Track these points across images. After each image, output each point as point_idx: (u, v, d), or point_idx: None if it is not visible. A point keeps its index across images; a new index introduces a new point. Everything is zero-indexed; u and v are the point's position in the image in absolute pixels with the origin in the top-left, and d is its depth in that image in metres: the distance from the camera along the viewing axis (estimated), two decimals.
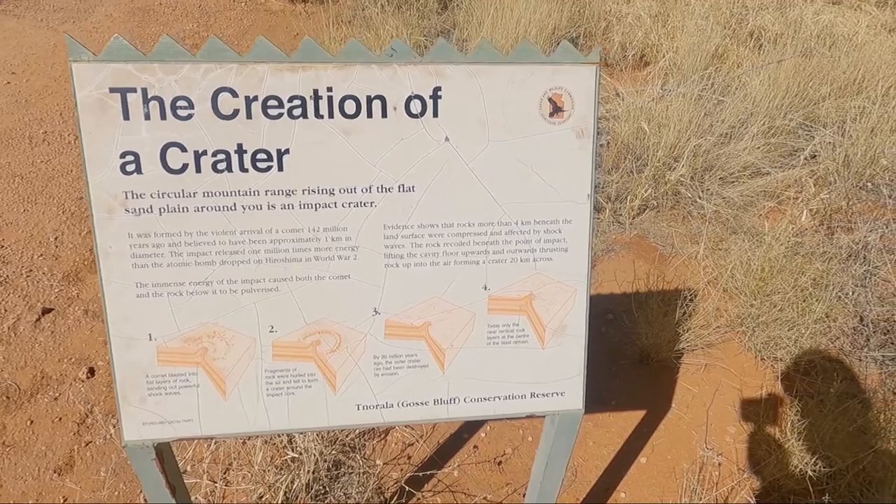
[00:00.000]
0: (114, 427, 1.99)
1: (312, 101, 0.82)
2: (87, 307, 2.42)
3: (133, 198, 0.82)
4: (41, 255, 2.65)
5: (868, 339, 2.13)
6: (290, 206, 0.86)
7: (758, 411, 2.04)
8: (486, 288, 0.93)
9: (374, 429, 1.98)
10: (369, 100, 0.84)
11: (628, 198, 2.92)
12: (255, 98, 0.82)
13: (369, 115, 0.84)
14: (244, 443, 1.94)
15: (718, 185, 2.93)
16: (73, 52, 0.77)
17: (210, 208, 0.84)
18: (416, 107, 0.85)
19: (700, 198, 2.86)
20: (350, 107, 0.84)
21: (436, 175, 0.88)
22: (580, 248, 0.93)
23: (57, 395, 2.07)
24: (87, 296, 2.47)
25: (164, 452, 0.94)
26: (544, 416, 1.05)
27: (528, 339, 0.96)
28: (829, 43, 4.11)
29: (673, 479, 1.88)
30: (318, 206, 0.86)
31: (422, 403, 0.96)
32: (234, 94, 0.81)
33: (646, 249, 2.78)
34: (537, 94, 0.87)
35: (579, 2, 4.89)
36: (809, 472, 1.64)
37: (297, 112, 0.83)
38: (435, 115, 0.86)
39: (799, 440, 1.81)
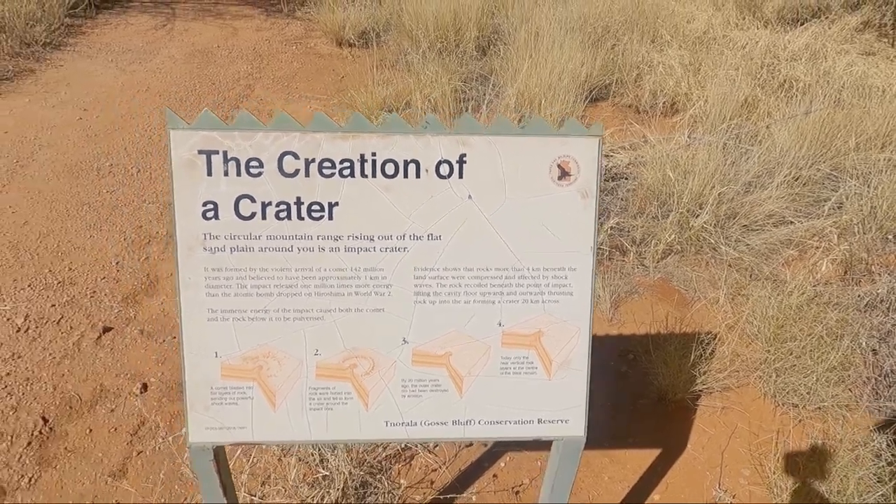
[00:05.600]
0: (163, 438, 2.17)
1: (359, 164, 1.00)
2: (142, 327, 2.63)
3: (210, 239, 1.00)
4: (104, 277, 2.90)
5: (886, 389, 2.17)
6: (337, 249, 1.02)
7: (773, 456, 2.08)
8: (500, 324, 1.07)
9: (399, 453, 2.11)
10: (406, 163, 1.01)
11: (653, 242, 3.02)
12: (313, 160, 0.99)
13: (405, 175, 1.01)
14: (280, 459, 2.09)
15: (742, 232, 3.01)
16: (172, 122, 0.96)
17: (272, 249, 1.01)
18: (444, 169, 1.01)
19: (723, 244, 2.94)
20: (390, 168, 1.01)
21: (460, 226, 1.04)
22: (584, 293, 1.06)
23: (113, 407, 2.27)
24: (143, 317, 2.69)
25: (219, 456, 1.10)
26: (551, 442, 1.17)
27: (536, 370, 1.09)
28: (862, 94, 4.16)
29: None
30: (360, 249, 1.03)
31: (441, 423, 1.10)
32: (297, 157, 0.99)
33: (668, 293, 2.87)
34: (547, 161, 1.03)
35: (612, 51, 5.07)
36: None
37: (346, 172, 1.00)
38: (460, 176, 1.02)
39: (812, 486, 1.86)
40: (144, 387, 2.35)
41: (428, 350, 1.06)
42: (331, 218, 1.01)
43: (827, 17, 6.06)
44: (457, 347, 1.07)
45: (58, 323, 2.62)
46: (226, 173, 0.98)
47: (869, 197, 2.93)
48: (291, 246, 1.02)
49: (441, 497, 1.94)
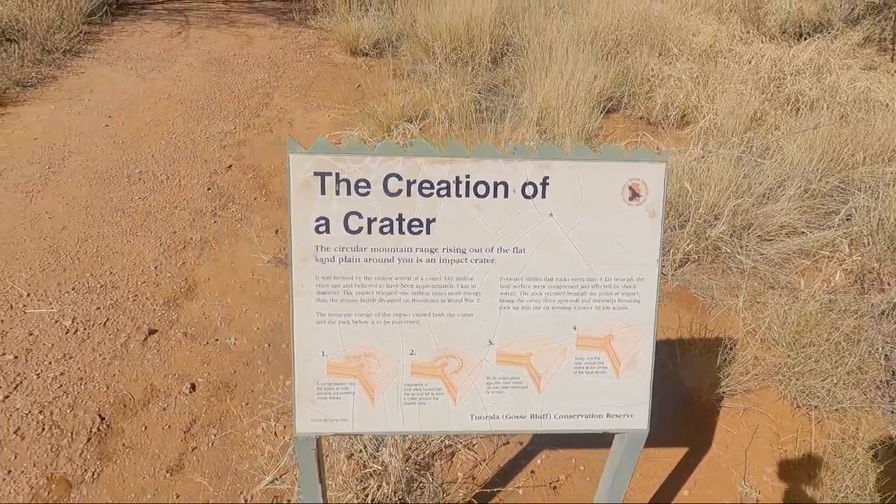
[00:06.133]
0: (216, 434, 2.28)
1: (454, 185, 1.12)
2: (186, 330, 2.74)
3: (321, 250, 1.12)
4: (144, 281, 3.01)
5: None
6: (433, 261, 1.15)
7: (794, 454, 2.21)
8: (575, 328, 1.20)
9: (442, 450, 2.23)
10: (495, 185, 1.13)
11: (671, 251, 3.15)
12: (414, 181, 1.12)
13: (495, 195, 1.14)
14: (327, 457, 2.21)
15: (756, 242, 3.15)
16: (291, 147, 1.08)
17: (375, 260, 1.13)
18: (529, 190, 1.14)
19: (739, 253, 3.08)
20: (481, 189, 1.13)
21: (541, 241, 1.16)
22: (649, 301, 1.19)
23: (165, 405, 2.38)
24: (186, 320, 2.80)
25: (318, 446, 1.21)
26: (615, 434, 1.30)
27: (606, 370, 1.21)
28: (866, 109, 4.32)
29: None
30: (453, 261, 1.15)
31: (521, 417, 1.22)
32: (400, 178, 1.11)
33: (687, 300, 3.00)
34: (620, 184, 1.15)
35: (622, 63, 5.22)
36: None
37: (443, 192, 1.12)
38: (543, 196, 1.14)
39: (832, 481, 1.98)
40: (193, 387, 2.46)
41: (511, 351, 1.19)
42: (428, 232, 1.13)
43: (829, 32, 6.23)
44: (536, 348, 1.19)
45: (104, 325, 2.72)
46: (337, 192, 1.10)
47: (877, 210, 3.08)
48: (393, 257, 1.14)
49: (487, 490, 2.06)
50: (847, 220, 3.25)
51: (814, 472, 2.12)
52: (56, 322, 2.71)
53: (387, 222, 1.12)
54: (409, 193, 1.12)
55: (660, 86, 4.86)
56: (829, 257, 2.96)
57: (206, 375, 2.52)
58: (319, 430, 1.17)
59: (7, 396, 2.33)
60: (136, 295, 2.91)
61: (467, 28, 5.69)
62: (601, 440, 2.27)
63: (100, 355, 2.56)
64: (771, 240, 3.16)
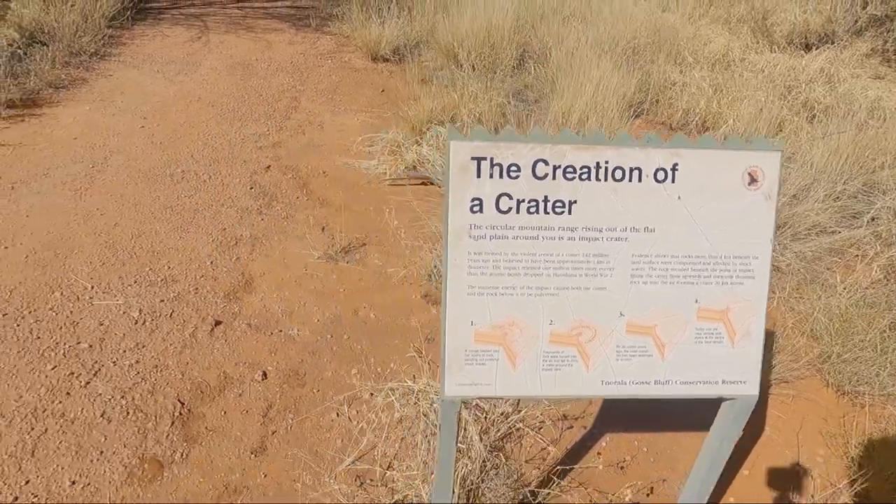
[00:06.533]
0: (292, 419, 2.37)
1: (594, 170, 1.24)
2: (249, 321, 2.83)
3: (474, 228, 1.23)
4: (202, 275, 3.09)
5: None
6: (573, 238, 1.26)
7: (843, 437, 2.34)
8: (696, 301, 1.32)
9: (512, 432, 2.34)
10: (631, 170, 1.25)
11: None
12: (559, 166, 1.23)
13: (630, 179, 1.26)
14: (402, 439, 2.31)
15: (789, 240, 3.30)
16: (452, 134, 1.20)
17: (522, 237, 1.25)
18: (660, 175, 1.26)
19: (774, 250, 3.23)
20: (618, 174, 1.25)
21: (670, 222, 1.28)
22: (763, 277, 1.31)
23: (240, 392, 2.47)
24: (248, 312, 2.89)
25: (460, 411, 1.32)
26: (722, 402, 1.42)
27: (723, 340, 1.33)
28: (881, 116, 4.51)
29: (774, 489, 2.19)
30: (590, 239, 1.27)
31: (646, 382, 1.33)
32: (546, 164, 1.23)
33: None
34: (740, 170, 1.28)
35: (641, 70, 5.38)
36: None
37: (584, 176, 1.24)
38: (672, 181, 1.27)
39: (880, 460, 2.12)
40: (264, 374, 2.55)
41: (639, 322, 1.30)
42: (570, 213, 1.25)
43: (835, 43, 6.45)
44: (662, 320, 1.31)
45: (170, 316, 2.81)
46: (490, 175, 1.22)
47: None
48: (538, 235, 1.25)
49: (566, 467, 2.17)
50: (873, 220, 3.41)
51: (864, 453, 2.25)
52: (124, 313, 2.79)
53: (533, 203, 1.24)
54: (554, 177, 1.23)
55: (681, 92, 5.02)
56: (862, 255, 3.11)
57: (276, 364, 2.61)
58: (466, 393, 1.28)
59: (88, 382, 2.41)
60: (197, 288, 3.00)
61: (488, 35, 5.83)
62: (663, 423, 2.39)
63: (170, 345, 2.65)
64: (802, 238, 3.31)
